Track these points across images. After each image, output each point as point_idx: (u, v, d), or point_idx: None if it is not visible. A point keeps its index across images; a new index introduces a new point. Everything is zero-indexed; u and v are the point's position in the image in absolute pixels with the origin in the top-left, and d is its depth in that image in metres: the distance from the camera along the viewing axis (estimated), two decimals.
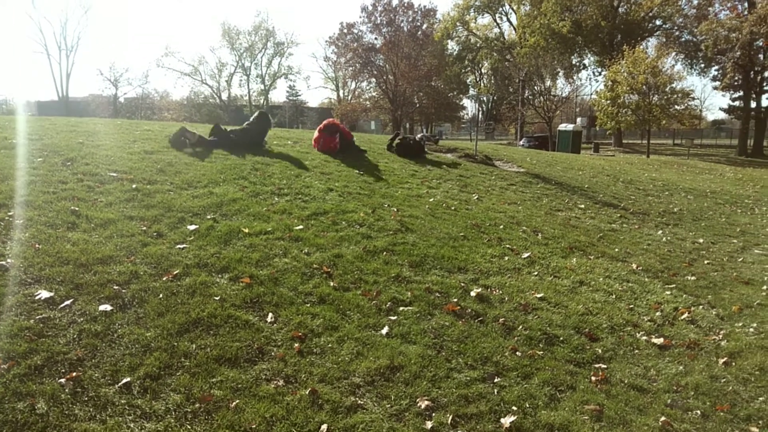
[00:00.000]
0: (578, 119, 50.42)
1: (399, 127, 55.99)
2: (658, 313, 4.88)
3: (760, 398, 3.56)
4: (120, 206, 5.14)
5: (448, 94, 63.03)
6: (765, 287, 6.01)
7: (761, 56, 39.89)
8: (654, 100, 33.65)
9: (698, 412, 3.32)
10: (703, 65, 46.79)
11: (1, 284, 3.49)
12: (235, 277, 4.19)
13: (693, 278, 6.12)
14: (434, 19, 59.43)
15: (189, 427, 2.62)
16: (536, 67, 42.62)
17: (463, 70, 64.22)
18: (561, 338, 4.11)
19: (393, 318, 4.05)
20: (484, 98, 62.91)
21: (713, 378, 3.76)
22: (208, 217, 5.26)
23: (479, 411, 3.07)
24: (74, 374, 2.83)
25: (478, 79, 66.41)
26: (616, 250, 6.93)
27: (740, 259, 7.41)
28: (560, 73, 47.27)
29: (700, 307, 5.18)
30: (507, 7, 56.55)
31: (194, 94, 66.56)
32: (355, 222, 5.92)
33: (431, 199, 7.63)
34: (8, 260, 3.78)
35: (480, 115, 65.25)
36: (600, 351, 4.00)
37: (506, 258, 5.76)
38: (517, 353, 3.79)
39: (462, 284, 4.82)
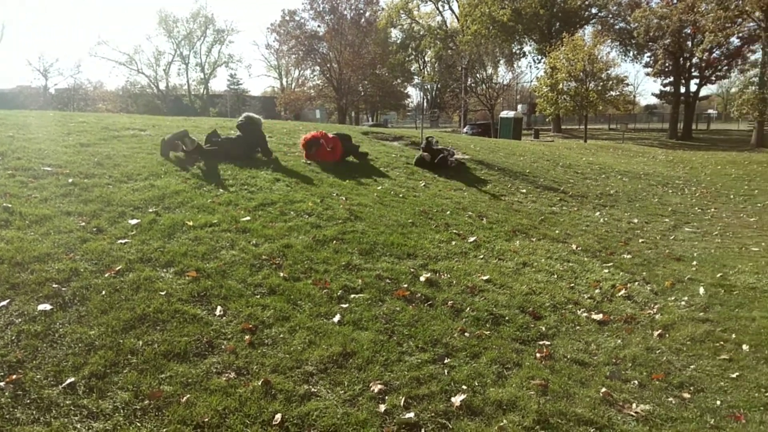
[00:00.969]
0: (519, 106, 51.70)
1: (344, 115, 55.71)
2: (597, 291, 5.12)
3: (692, 366, 3.80)
4: (56, 202, 4.93)
5: (392, 83, 63.14)
6: (695, 263, 6.38)
7: (689, 43, 41.91)
8: (591, 86, 34.89)
9: (636, 382, 3.52)
10: (636, 52, 48.70)
11: None
12: (180, 271, 4.10)
13: (629, 256, 6.43)
14: (377, 7, 59.32)
15: (139, 424, 2.58)
16: (478, 55, 43.29)
17: (407, 59, 64.49)
18: (507, 318, 4.25)
19: (344, 306, 4.08)
20: (429, 86, 63.39)
21: (649, 350, 3.99)
22: (150, 210, 5.11)
23: (431, 392, 3.15)
24: (14, 377, 2.72)
25: (422, 68, 66.87)
26: (557, 231, 7.19)
27: (672, 237, 7.83)
28: (501, 61, 48.22)
29: (636, 283, 5.46)
30: None
31: (130, 84, 63.99)
32: (304, 212, 5.89)
33: (379, 187, 7.68)
34: None
35: (425, 103, 65.72)
36: (543, 329, 4.17)
37: (453, 243, 5.88)
38: (466, 334, 3.90)
39: (411, 270, 4.89)
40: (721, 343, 4.15)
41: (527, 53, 54.33)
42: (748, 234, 8.30)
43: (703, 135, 46.83)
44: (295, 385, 3.06)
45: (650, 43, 42.63)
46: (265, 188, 6.48)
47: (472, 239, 6.09)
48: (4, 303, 3.29)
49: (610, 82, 35.50)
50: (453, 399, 3.08)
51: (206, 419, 2.66)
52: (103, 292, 3.59)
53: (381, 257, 5.11)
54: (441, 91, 62.26)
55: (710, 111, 70.81)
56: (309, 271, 4.57)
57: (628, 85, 38.78)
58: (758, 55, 34.98)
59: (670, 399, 3.35)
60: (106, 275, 3.80)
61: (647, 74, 50.28)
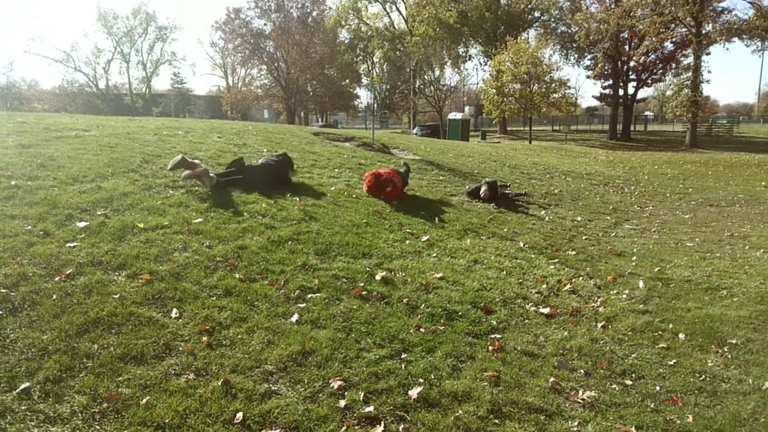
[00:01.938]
0: (466, 108, 52.68)
1: (293, 115, 55.17)
2: (544, 286, 5.34)
3: (633, 355, 4.04)
4: None
5: (341, 83, 63.07)
6: (634, 258, 6.73)
7: (627, 47, 43.76)
8: (535, 88, 35.94)
9: (582, 371, 3.72)
10: (577, 55, 50.33)
11: None
12: (133, 273, 4.04)
13: (573, 253, 6.72)
14: (324, 6, 59.08)
15: (98, 427, 2.55)
16: (426, 56, 43.86)
17: (355, 59, 64.60)
18: (460, 313, 4.39)
19: (302, 305, 4.12)
20: (378, 87, 63.75)
21: (593, 340, 4.21)
22: (99, 213, 4.99)
23: (389, 386, 3.24)
24: None
25: (370, 68, 67.11)
26: (505, 230, 7.43)
27: (613, 234, 8.22)
28: (448, 63, 49.03)
29: (580, 278, 5.73)
30: None
31: (67, 82, 61.43)
32: (257, 213, 5.87)
33: (332, 188, 7.72)
34: None
35: (374, 105, 66.03)
36: (495, 323, 4.34)
37: (407, 242, 5.99)
38: (421, 330, 4.01)
39: (367, 269, 4.97)
40: (660, 332, 4.42)
41: (473, 56, 55.45)
42: (683, 230, 8.80)
43: (641, 136, 48.98)
44: (255, 384, 3.08)
45: (591, 46, 44.22)
46: (216, 190, 6.41)
47: (425, 238, 6.23)
48: None
49: (553, 85, 36.66)
50: (410, 392, 3.18)
51: (167, 420, 2.65)
52: (54, 297, 3.50)
53: (337, 257, 5.17)
54: (390, 92, 62.73)
55: (647, 113, 74.14)
56: (265, 271, 4.58)
57: (570, 87, 40.12)
58: (690, 60, 36.82)
59: (614, 386, 3.56)
60: (56, 279, 3.71)
61: (588, 77, 52.36)
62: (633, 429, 3.02)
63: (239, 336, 3.58)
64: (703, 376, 3.70)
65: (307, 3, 56.80)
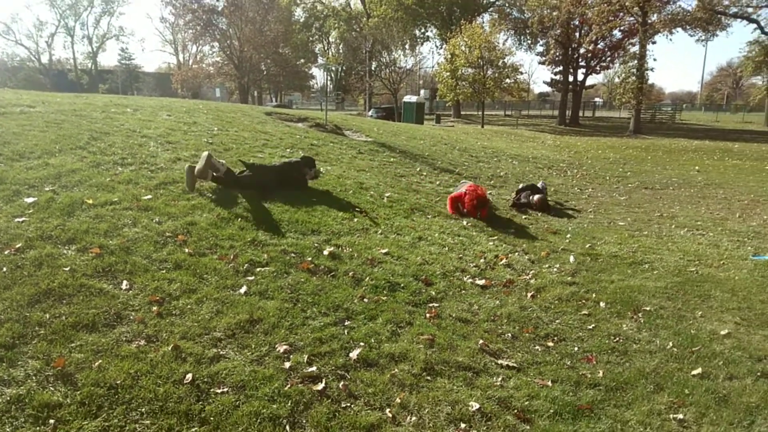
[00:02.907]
0: (421, 91, 52.97)
1: (246, 95, 54.23)
2: (482, 260, 5.69)
3: (557, 321, 4.41)
4: None
5: (296, 63, 62.25)
6: (569, 236, 7.17)
7: (578, 34, 44.90)
8: (488, 73, 36.53)
9: (509, 334, 4.07)
10: (530, 41, 51.33)
11: None
12: (83, 247, 4.13)
13: (512, 230, 7.11)
14: None
15: (53, 389, 2.70)
16: (382, 38, 43.83)
17: (310, 39, 63.81)
18: (402, 285, 4.67)
19: (251, 278, 4.31)
20: (333, 68, 63.25)
21: (522, 308, 4.57)
22: (47, 189, 5.01)
23: (332, 349, 3.49)
24: None
25: (326, 49, 66.46)
26: None
27: (552, 214, 8.67)
28: (406, 45, 49.11)
29: (516, 254, 6.11)
30: None
31: (7, 56, 58.49)
32: (207, 190, 5.98)
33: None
34: None
35: (329, 85, 65.51)
36: (434, 293, 4.64)
37: (356, 220, 6.22)
38: (365, 300, 4.27)
39: (316, 245, 5.19)
40: (583, 301, 4.82)
41: (430, 38, 55.65)
42: (617, 211, 9.35)
43: (589, 122, 50.53)
44: (204, 349, 3.27)
45: (543, 32, 45.16)
46: (166, 167, 6.47)
47: (373, 215, 6.47)
48: None
49: (506, 70, 37.34)
50: (351, 354, 3.44)
51: (119, 381, 2.82)
52: (4, 269, 3.58)
53: (286, 233, 5.35)
54: (346, 73, 62.40)
55: (596, 99, 76.39)
56: (214, 247, 4.73)
57: (522, 73, 41.01)
58: (637, 48, 38.14)
59: (537, 347, 3.91)
60: (6, 252, 3.78)
61: (540, 63, 53.23)
62: (549, 382, 3.37)
63: (189, 306, 3.74)
64: (617, 339, 4.10)
65: None
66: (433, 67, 53.69)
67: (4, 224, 4.15)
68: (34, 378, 2.75)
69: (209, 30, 53.92)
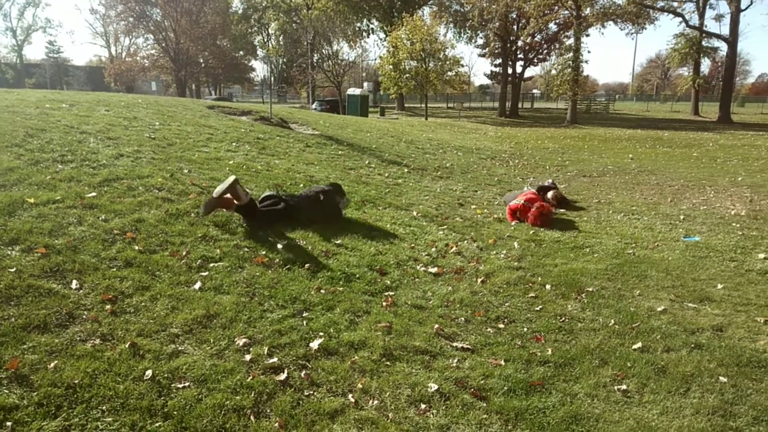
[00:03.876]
0: (365, 84, 52.98)
1: (184, 88, 52.70)
2: (433, 249, 5.83)
3: (506, 304, 4.60)
4: None
5: (235, 55, 60.94)
6: (513, 223, 7.42)
7: (516, 27, 45.98)
8: (431, 66, 36.93)
9: (462, 318, 4.22)
10: (470, 34, 52.07)
11: None
12: (28, 248, 3.99)
13: (461, 220, 7.31)
14: None
15: (8, 391, 2.62)
16: (324, 30, 43.51)
17: (249, 30, 62.53)
18: (357, 276, 4.75)
19: (204, 274, 4.28)
20: (274, 60, 62.36)
21: (473, 293, 4.74)
22: None
23: (291, 340, 3.53)
24: None
25: (266, 40, 65.33)
26: (401, 201, 7.89)
27: (497, 203, 8.94)
28: (348, 37, 48.88)
29: (465, 242, 6.29)
30: None
31: None
32: (153, 186, 5.86)
33: (231, 162, 7.76)
34: None
35: (272, 78, 64.62)
36: (389, 282, 4.74)
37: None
38: (322, 291, 4.33)
39: (269, 239, 5.19)
40: (530, 284, 5.04)
41: (373, 31, 55.59)
42: None
43: (528, 113, 51.94)
44: (162, 346, 3.25)
45: (483, 25, 45.95)
46: (108, 164, 6.28)
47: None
48: None
49: (448, 63, 37.87)
50: (311, 344, 3.49)
51: (77, 381, 2.77)
52: None
53: (238, 228, 5.32)
54: (288, 65, 61.58)
55: (534, 91, 78.50)
56: (165, 243, 4.67)
57: (463, 66, 41.66)
58: (572, 41, 39.44)
59: (489, 330, 4.08)
60: None
61: (480, 56, 54.31)
62: (502, 362, 3.53)
63: (143, 303, 3.69)
64: (563, 318, 4.32)
65: None
66: (375, 59, 53.77)
67: None
68: None
69: (143, 21, 52.01)
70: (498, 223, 7.39)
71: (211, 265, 4.46)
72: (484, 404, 3.07)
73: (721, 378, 3.43)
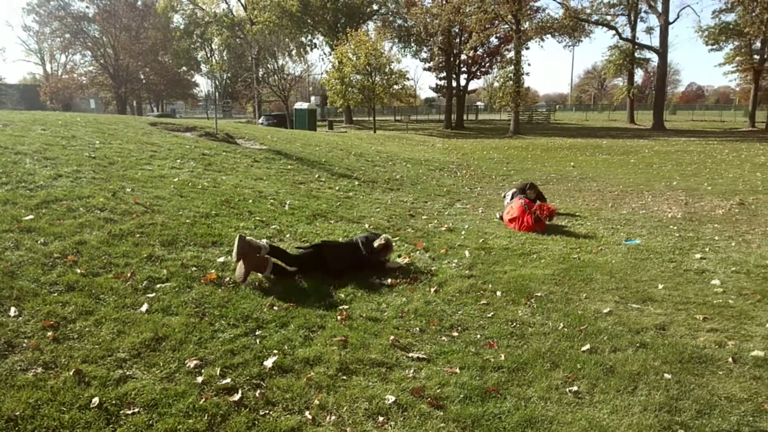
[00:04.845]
0: (312, 98, 52.95)
1: (125, 105, 51.21)
2: None
3: (459, 312, 4.66)
4: None
5: (177, 71, 59.72)
6: (463, 232, 7.56)
7: (458, 41, 47.05)
8: (377, 80, 37.27)
9: (417, 328, 4.24)
10: (415, 48, 52.94)
11: None
12: None
13: (412, 231, 7.37)
14: None
15: None
16: (268, 45, 43.24)
17: (192, 46, 61.42)
18: (311, 290, 4.71)
19: (151, 295, 4.15)
20: (218, 75, 61.39)
21: (427, 303, 4.78)
22: None
23: (245, 360, 3.46)
24: None
25: (209, 56, 64.29)
26: (353, 213, 7.89)
27: (446, 213, 9.08)
28: (293, 52, 48.72)
29: (417, 252, 6.35)
30: None
31: None
32: (95, 207, 5.65)
33: (176, 179, 7.57)
34: None
35: (216, 93, 63.54)
36: (343, 296, 4.73)
37: (257, 229, 6.16)
38: (275, 308, 4.27)
39: (219, 258, 5.08)
40: (482, 292, 5.13)
41: (318, 45, 55.61)
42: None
43: (473, 125, 53.09)
44: (109, 371, 3.12)
45: (427, 39, 46.82)
46: (46, 185, 6.03)
47: (275, 225, 6.44)
48: None
49: (394, 76, 38.31)
50: (265, 363, 3.43)
51: (18, 413, 2.63)
52: None
53: (185, 247, 5.20)
54: (232, 80, 60.72)
55: (479, 103, 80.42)
56: (108, 265, 4.51)
57: (409, 79, 42.26)
58: (513, 54, 40.67)
59: (443, 338, 4.12)
60: None
61: (425, 69, 55.23)
62: (458, 370, 3.57)
63: (87, 329, 3.55)
64: (515, 324, 4.41)
65: None
66: (322, 74, 53.76)
67: None
68: None
69: (79, 38, 50.39)
70: (449, 232, 7.49)
71: (158, 285, 4.34)
72: (441, 413, 3.10)
73: (665, 375, 3.57)
